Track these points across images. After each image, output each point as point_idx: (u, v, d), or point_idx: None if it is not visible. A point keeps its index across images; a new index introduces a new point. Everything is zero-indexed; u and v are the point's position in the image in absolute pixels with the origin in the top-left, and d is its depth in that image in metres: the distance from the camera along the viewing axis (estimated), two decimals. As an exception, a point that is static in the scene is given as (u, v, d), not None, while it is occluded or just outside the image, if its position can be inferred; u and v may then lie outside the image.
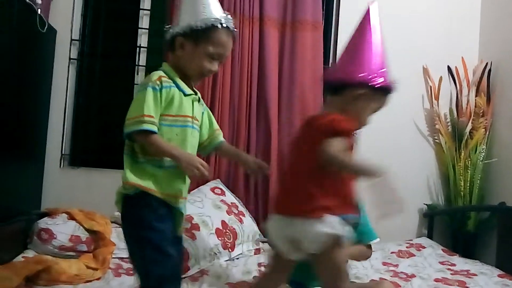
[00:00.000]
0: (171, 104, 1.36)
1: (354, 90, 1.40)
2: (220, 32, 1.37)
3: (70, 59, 2.74)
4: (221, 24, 1.36)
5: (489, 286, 2.09)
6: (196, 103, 1.45)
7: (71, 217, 2.14)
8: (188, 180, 1.44)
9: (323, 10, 2.90)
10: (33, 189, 2.52)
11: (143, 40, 2.88)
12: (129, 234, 1.39)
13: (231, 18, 1.41)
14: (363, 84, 1.40)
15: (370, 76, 1.40)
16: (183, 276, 2.02)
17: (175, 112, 1.37)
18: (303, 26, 2.79)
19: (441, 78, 2.97)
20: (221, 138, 1.58)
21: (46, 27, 2.35)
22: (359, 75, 1.40)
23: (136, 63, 2.86)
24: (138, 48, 2.87)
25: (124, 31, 2.94)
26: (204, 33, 1.35)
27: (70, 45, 2.73)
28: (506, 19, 2.89)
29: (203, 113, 1.53)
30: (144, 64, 2.87)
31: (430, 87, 3.00)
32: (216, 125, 1.59)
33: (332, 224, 1.31)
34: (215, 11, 1.39)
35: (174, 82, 1.38)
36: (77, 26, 2.77)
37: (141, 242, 1.34)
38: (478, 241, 2.82)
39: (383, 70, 1.43)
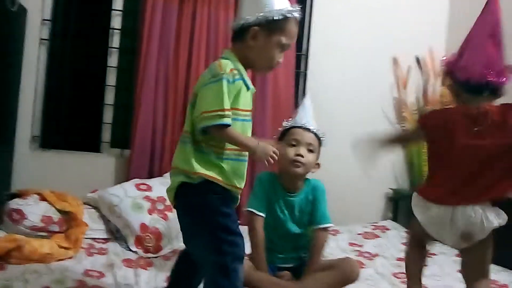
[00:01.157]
0: (238, 98, 1.34)
1: None
2: (292, 22, 1.37)
3: (41, 39, 2.69)
4: (293, 14, 1.37)
5: (447, 264, 2.23)
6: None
7: (43, 198, 2.14)
8: (245, 173, 1.43)
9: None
10: (3, 171, 2.49)
11: (116, 21, 2.86)
12: (194, 220, 1.37)
13: (299, 8, 1.41)
14: None
15: None
16: (156, 255, 2.08)
17: (240, 106, 1.35)
18: (277, 12, 2.83)
19: (409, 68, 3.08)
20: None
21: (16, 6, 2.31)
22: None
23: (109, 45, 2.84)
24: (111, 30, 2.85)
25: (96, 12, 2.91)
26: (279, 24, 1.34)
27: (41, 25, 2.69)
28: (473, 12, 2.99)
29: None
30: (118, 46, 2.85)
31: (399, 76, 3.10)
32: None
33: (500, 214, 1.48)
34: (285, 2, 1.38)
35: (241, 75, 1.36)
36: (49, 6, 2.72)
37: (210, 226, 1.33)
38: (439, 224, 2.96)
39: None
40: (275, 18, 1.33)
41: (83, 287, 1.57)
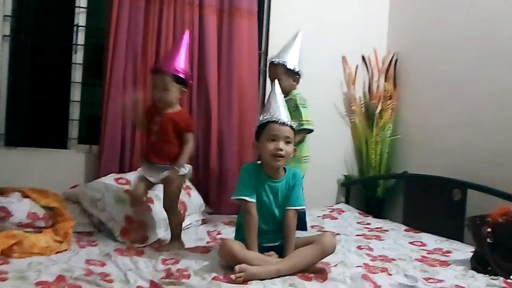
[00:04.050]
0: None
1: None
2: None
3: (3, 36, 2.64)
4: None
5: (399, 238, 2.56)
6: None
7: (25, 195, 2.15)
8: None
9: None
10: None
11: (81, 19, 2.87)
12: None
13: None
14: None
15: None
16: (144, 245, 2.18)
17: None
18: (240, 13, 3.01)
19: (357, 66, 3.41)
20: None
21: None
22: None
23: (74, 42, 2.85)
24: (75, 27, 2.85)
25: (60, 9, 2.90)
26: None
27: (3, 21, 2.64)
28: (410, 16, 3.40)
29: None
30: (83, 43, 2.87)
31: (348, 74, 3.43)
32: None
33: None
34: None
35: None
36: (10, 1, 2.67)
37: None
38: (386, 204, 3.35)
39: None
40: None
41: (92, 274, 1.66)
